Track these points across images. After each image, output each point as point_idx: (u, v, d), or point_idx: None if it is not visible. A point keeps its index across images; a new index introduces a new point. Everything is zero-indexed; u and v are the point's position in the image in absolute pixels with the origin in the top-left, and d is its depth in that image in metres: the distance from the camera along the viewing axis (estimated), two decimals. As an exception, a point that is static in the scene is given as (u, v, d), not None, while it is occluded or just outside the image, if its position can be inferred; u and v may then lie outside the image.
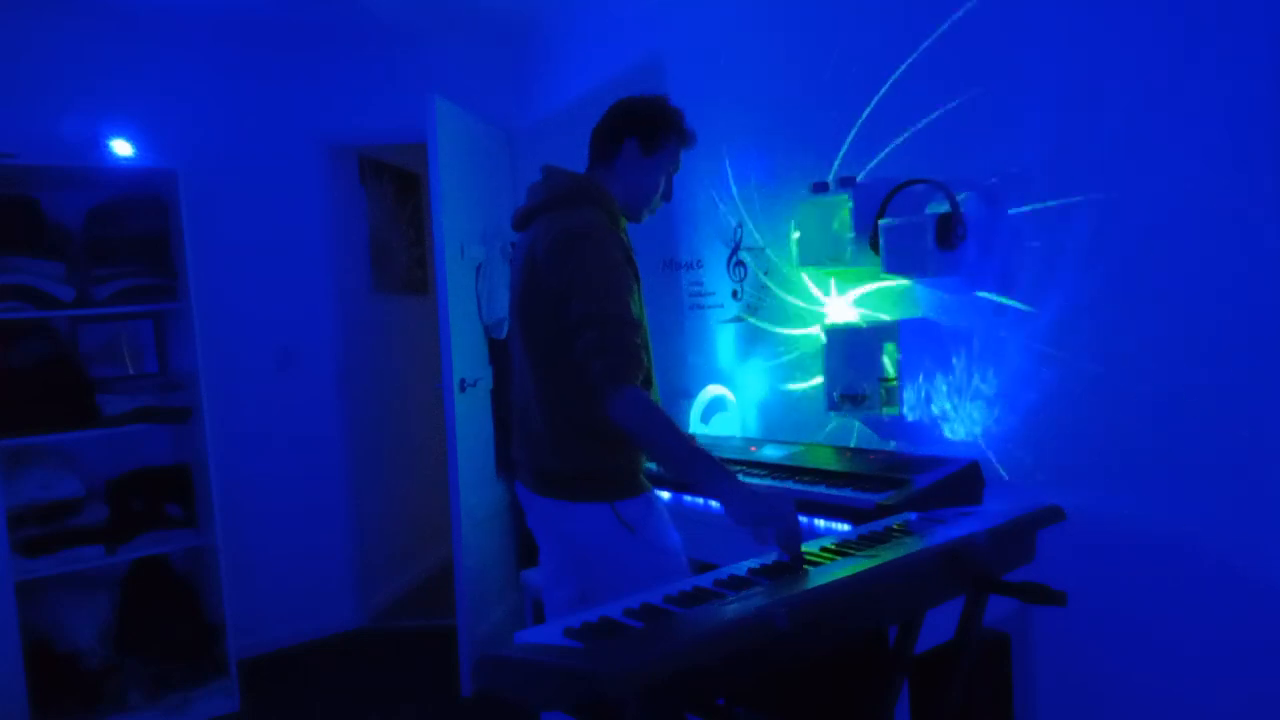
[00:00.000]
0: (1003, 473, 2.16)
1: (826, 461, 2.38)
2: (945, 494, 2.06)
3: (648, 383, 1.82)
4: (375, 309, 4.43)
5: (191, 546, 3.32)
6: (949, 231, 2.14)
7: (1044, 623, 2.10)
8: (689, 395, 3.06)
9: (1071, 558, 1.99)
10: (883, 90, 2.39)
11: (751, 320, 2.89)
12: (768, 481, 2.32)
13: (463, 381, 3.23)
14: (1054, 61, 1.99)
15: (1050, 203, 2.03)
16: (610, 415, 1.64)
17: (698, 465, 1.63)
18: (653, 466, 1.92)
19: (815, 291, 2.65)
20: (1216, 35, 1.73)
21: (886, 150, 2.39)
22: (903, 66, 2.33)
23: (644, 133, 1.89)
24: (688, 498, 2.45)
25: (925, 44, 2.27)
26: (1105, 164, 1.92)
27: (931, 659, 1.57)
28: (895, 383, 2.31)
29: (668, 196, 1.99)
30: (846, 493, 2.10)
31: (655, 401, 1.75)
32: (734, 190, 2.93)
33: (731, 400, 2.94)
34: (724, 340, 3.01)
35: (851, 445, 2.56)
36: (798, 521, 1.53)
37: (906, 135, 2.34)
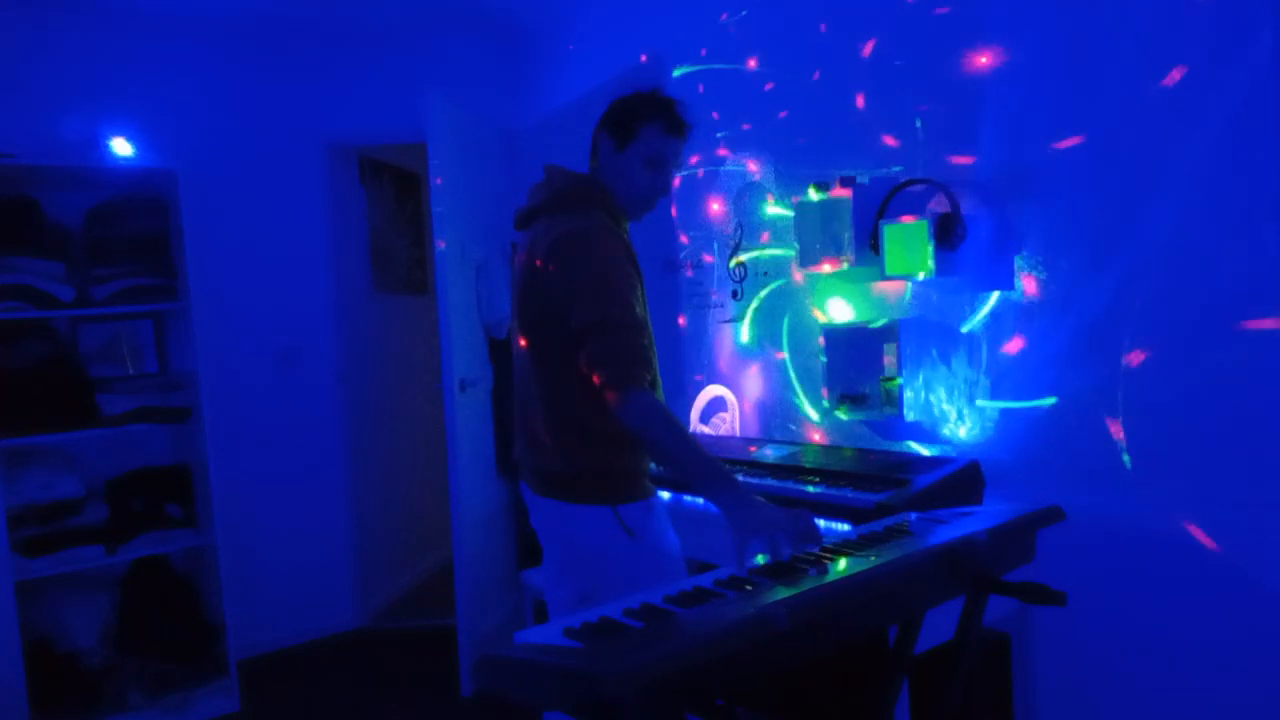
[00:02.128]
0: (1003, 473, 2.16)
1: (826, 461, 2.38)
2: (945, 494, 2.06)
3: (654, 384, 1.82)
4: (375, 309, 4.43)
5: (191, 546, 3.32)
6: (949, 231, 2.14)
7: (1044, 623, 2.10)
8: (689, 395, 3.06)
9: (1071, 558, 1.99)
10: (883, 90, 2.39)
11: (751, 320, 2.89)
12: (767, 481, 2.31)
13: (463, 381, 3.23)
14: (1055, 58, 1.99)
15: (1051, 203, 2.03)
16: (620, 420, 1.64)
17: (703, 471, 1.63)
18: (654, 467, 1.92)
19: (815, 291, 2.65)
20: (1220, 36, 1.73)
21: (886, 150, 2.39)
22: (903, 65, 2.33)
23: (613, 127, 1.86)
24: (688, 497, 2.45)
25: (927, 45, 2.27)
26: (1108, 165, 1.92)
27: (931, 659, 1.57)
28: (895, 383, 2.31)
29: (665, 190, 1.90)
30: (846, 493, 2.10)
31: (663, 404, 1.75)
32: (734, 190, 2.93)
33: (731, 400, 2.94)
34: (724, 340, 3.01)
35: (851, 445, 2.56)
36: (800, 534, 1.50)
37: (907, 135, 2.34)
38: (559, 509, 1.84)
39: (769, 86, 2.76)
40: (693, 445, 1.65)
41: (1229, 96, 1.72)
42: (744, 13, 2.83)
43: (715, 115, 2.94)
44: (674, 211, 3.18)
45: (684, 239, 3.17)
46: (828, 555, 1.45)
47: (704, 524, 2.35)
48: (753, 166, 2.85)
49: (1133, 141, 1.87)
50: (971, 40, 2.15)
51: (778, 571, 1.36)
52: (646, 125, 1.84)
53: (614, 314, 1.67)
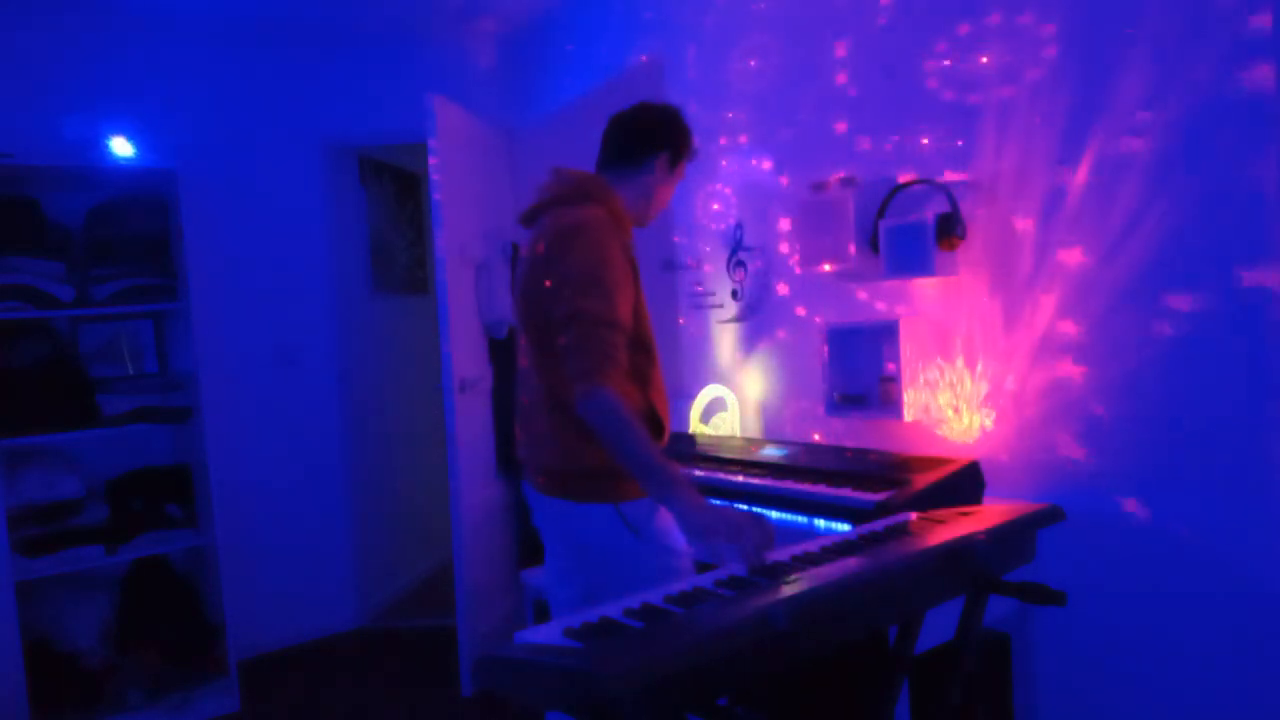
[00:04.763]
0: (1003, 473, 2.16)
1: (826, 461, 2.38)
2: (945, 494, 2.06)
3: (645, 382, 1.81)
4: (375, 309, 4.43)
5: (191, 546, 3.32)
6: (949, 231, 2.14)
7: (1044, 623, 2.10)
8: (689, 395, 3.05)
9: (1071, 558, 1.99)
10: (883, 90, 2.39)
11: (751, 320, 2.89)
12: (767, 481, 2.31)
13: (463, 381, 3.23)
14: (1055, 59, 2.00)
15: (1051, 203, 2.03)
16: (580, 414, 1.64)
17: (655, 474, 1.60)
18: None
19: (815, 292, 2.65)
20: (1220, 39, 1.73)
21: (887, 149, 2.39)
22: (903, 66, 2.33)
23: (676, 147, 1.94)
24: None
25: (928, 45, 2.27)
26: (1107, 166, 1.92)
27: (931, 659, 1.57)
28: (895, 383, 2.31)
29: None
30: (846, 493, 2.10)
31: (624, 404, 1.70)
32: (734, 190, 2.93)
33: (732, 400, 2.94)
34: (724, 340, 3.01)
35: (851, 445, 2.56)
36: (756, 539, 1.46)
37: (908, 134, 2.34)
38: (562, 507, 1.84)
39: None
40: (650, 447, 1.62)
41: (1230, 103, 1.72)
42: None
43: (717, 112, 2.95)
44: (674, 212, 3.18)
45: (683, 239, 3.16)
46: (828, 555, 1.45)
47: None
48: (754, 164, 2.85)
49: (1133, 144, 1.87)
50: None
51: (777, 572, 1.36)
52: (690, 153, 1.98)
53: (593, 308, 1.66)
